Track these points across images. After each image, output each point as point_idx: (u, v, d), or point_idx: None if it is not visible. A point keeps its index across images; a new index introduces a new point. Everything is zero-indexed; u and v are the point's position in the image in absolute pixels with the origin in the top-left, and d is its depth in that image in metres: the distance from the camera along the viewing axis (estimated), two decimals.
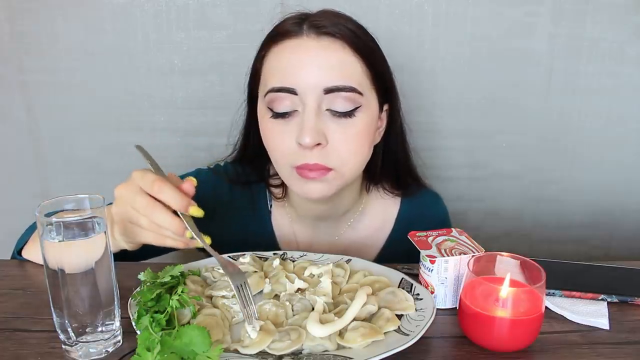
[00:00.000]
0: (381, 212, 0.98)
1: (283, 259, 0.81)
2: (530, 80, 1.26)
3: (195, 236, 0.65)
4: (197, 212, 0.66)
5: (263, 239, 0.96)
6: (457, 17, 1.21)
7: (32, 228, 0.86)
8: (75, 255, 0.59)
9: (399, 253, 0.87)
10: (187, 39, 1.22)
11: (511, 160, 1.32)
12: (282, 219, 0.97)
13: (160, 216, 0.64)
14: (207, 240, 0.66)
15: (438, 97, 1.26)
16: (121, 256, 0.76)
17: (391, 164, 0.93)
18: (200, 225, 0.94)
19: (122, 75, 1.24)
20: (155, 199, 0.64)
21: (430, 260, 0.71)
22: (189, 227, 0.65)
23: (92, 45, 1.22)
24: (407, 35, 1.21)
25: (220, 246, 0.90)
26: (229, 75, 1.23)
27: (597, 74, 1.25)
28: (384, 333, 0.62)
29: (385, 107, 0.88)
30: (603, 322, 0.69)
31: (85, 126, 1.27)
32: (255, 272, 0.76)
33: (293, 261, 0.81)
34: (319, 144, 0.78)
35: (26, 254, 0.83)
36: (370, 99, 0.82)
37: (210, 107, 1.26)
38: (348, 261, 0.80)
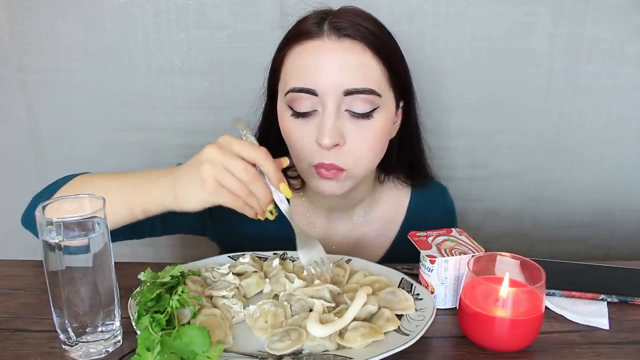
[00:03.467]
0: (393, 202, 1.00)
1: (283, 258, 0.82)
2: (530, 80, 1.26)
3: (277, 210, 0.70)
4: (287, 190, 0.70)
5: (282, 229, 0.96)
6: (457, 17, 1.21)
7: (38, 197, 0.85)
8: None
9: (411, 243, 0.89)
10: (187, 39, 1.22)
11: (511, 160, 1.32)
12: (299, 209, 0.99)
13: (259, 185, 0.67)
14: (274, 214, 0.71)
15: (438, 97, 1.26)
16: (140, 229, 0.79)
17: (406, 157, 0.96)
18: (228, 214, 0.93)
19: (122, 75, 1.24)
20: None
21: (430, 260, 0.71)
22: (276, 202, 0.69)
23: (92, 45, 1.22)
24: (407, 35, 1.21)
25: (243, 235, 0.91)
26: (229, 75, 1.23)
27: (597, 74, 1.25)
28: (384, 333, 0.62)
29: (401, 103, 0.89)
30: (603, 322, 0.69)
31: (85, 126, 1.27)
32: (255, 272, 0.76)
33: (293, 261, 0.81)
34: (337, 145, 0.80)
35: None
36: (387, 98, 0.83)
37: (210, 107, 1.26)
38: (348, 261, 0.80)
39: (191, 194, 0.70)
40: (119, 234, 0.77)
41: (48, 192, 0.83)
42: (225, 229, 0.97)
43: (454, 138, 1.30)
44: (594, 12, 1.21)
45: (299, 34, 0.82)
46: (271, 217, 0.71)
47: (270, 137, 0.93)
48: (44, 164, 1.31)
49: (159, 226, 0.89)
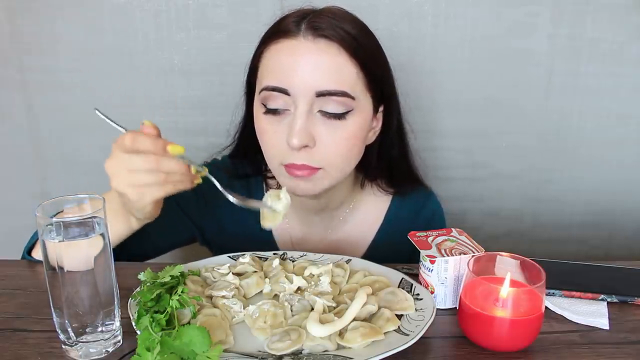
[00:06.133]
0: (372, 208, 0.99)
1: (283, 259, 0.81)
2: (530, 80, 1.26)
3: (198, 168, 0.68)
4: (175, 149, 0.66)
5: (259, 231, 0.96)
6: (457, 17, 1.21)
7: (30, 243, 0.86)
8: (75, 255, 0.59)
9: (387, 250, 0.88)
10: (187, 39, 1.22)
11: (511, 160, 1.32)
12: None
13: (167, 162, 0.65)
14: (205, 169, 0.70)
15: (438, 97, 1.26)
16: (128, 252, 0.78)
17: (386, 164, 0.94)
18: (202, 218, 0.93)
19: (122, 75, 1.24)
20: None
21: (430, 260, 0.71)
22: (190, 162, 0.67)
23: (92, 45, 1.22)
24: (407, 35, 1.21)
25: (220, 238, 0.91)
26: (229, 75, 1.23)
27: (597, 74, 1.25)
28: (384, 333, 0.62)
29: (381, 108, 0.87)
30: (603, 322, 0.69)
31: (85, 126, 1.27)
32: (255, 272, 0.76)
33: (293, 261, 0.81)
34: (306, 146, 0.78)
35: (35, 253, 0.84)
36: (363, 102, 0.81)
37: (210, 107, 1.26)
38: (348, 261, 0.80)
39: (134, 208, 0.71)
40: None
41: (37, 235, 0.84)
42: (212, 232, 0.97)
43: (454, 138, 1.30)
44: (594, 12, 1.21)
45: (276, 32, 0.81)
46: (201, 175, 0.70)
47: (244, 135, 0.93)
48: (44, 164, 1.31)
49: (149, 248, 0.89)
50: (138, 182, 0.66)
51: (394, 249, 0.86)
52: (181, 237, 0.98)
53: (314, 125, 0.79)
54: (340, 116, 0.79)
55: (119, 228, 0.77)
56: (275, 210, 0.73)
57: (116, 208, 0.74)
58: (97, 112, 0.70)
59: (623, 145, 1.32)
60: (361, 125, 0.82)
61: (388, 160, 0.94)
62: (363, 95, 0.81)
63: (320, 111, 0.79)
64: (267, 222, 0.73)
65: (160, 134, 0.68)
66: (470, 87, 1.26)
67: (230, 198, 0.70)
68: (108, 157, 0.68)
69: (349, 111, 0.79)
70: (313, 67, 0.77)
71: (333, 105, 0.78)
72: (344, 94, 0.78)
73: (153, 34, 1.21)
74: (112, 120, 0.70)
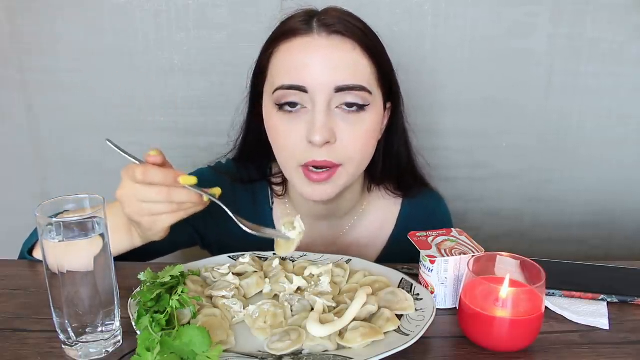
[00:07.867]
0: (382, 212, 0.98)
1: (283, 259, 0.81)
2: (530, 80, 1.26)
3: (210, 197, 0.69)
4: (187, 179, 0.67)
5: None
6: (457, 17, 1.21)
7: (28, 242, 0.86)
8: (75, 255, 0.59)
9: (400, 254, 0.87)
10: (187, 39, 1.22)
11: (511, 160, 1.32)
12: (283, 217, 0.97)
13: (179, 194, 0.67)
14: (218, 191, 0.70)
15: (438, 97, 1.26)
16: (133, 255, 0.80)
17: (393, 164, 0.93)
18: (206, 227, 0.94)
19: (122, 75, 1.24)
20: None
21: (430, 260, 0.71)
22: (202, 192, 0.68)
23: (92, 45, 1.22)
24: (407, 35, 1.21)
25: (223, 243, 0.90)
26: (229, 75, 1.23)
27: (597, 74, 1.25)
28: (384, 333, 0.62)
29: (388, 105, 0.88)
30: (603, 322, 0.69)
31: (85, 126, 1.28)
32: (255, 272, 0.76)
33: (293, 261, 0.81)
34: (328, 142, 0.78)
35: (36, 253, 0.84)
36: (377, 97, 0.82)
37: (210, 107, 1.26)
38: (348, 261, 0.80)
39: (147, 234, 0.73)
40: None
41: (37, 235, 0.84)
42: (216, 240, 0.97)
43: (454, 138, 1.30)
44: (594, 12, 1.21)
45: (286, 31, 0.81)
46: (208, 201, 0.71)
47: (248, 140, 0.93)
48: (44, 164, 1.31)
49: (148, 252, 0.89)
50: (150, 211, 0.68)
51: (408, 254, 0.84)
52: (182, 243, 0.98)
53: (334, 121, 0.79)
54: (359, 111, 0.79)
55: (121, 242, 0.78)
56: (289, 238, 0.73)
57: (119, 224, 0.75)
58: (108, 142, 0.71)
59: (623, 145, 1.32)
60: (377, 120, 0.83)
61: (396, 161, 0.93)
62: (376, 90, 0.82)
63: (339, 108, 0.79)
64: (281, 250, 0.74)
65: (165, 159, 0.70)
66: (470, 87, 1.26)
67: (243, 227, 0.70)
68: (119, 186, 0.69)
69: (366, 106, 0.80)
70: (331, 63, 0.77)
71: (351, 100, 0.79)
72: (362, 89, 0.78)
73: (153, 34, 1.21)
74: (124, 151, 0.70)
